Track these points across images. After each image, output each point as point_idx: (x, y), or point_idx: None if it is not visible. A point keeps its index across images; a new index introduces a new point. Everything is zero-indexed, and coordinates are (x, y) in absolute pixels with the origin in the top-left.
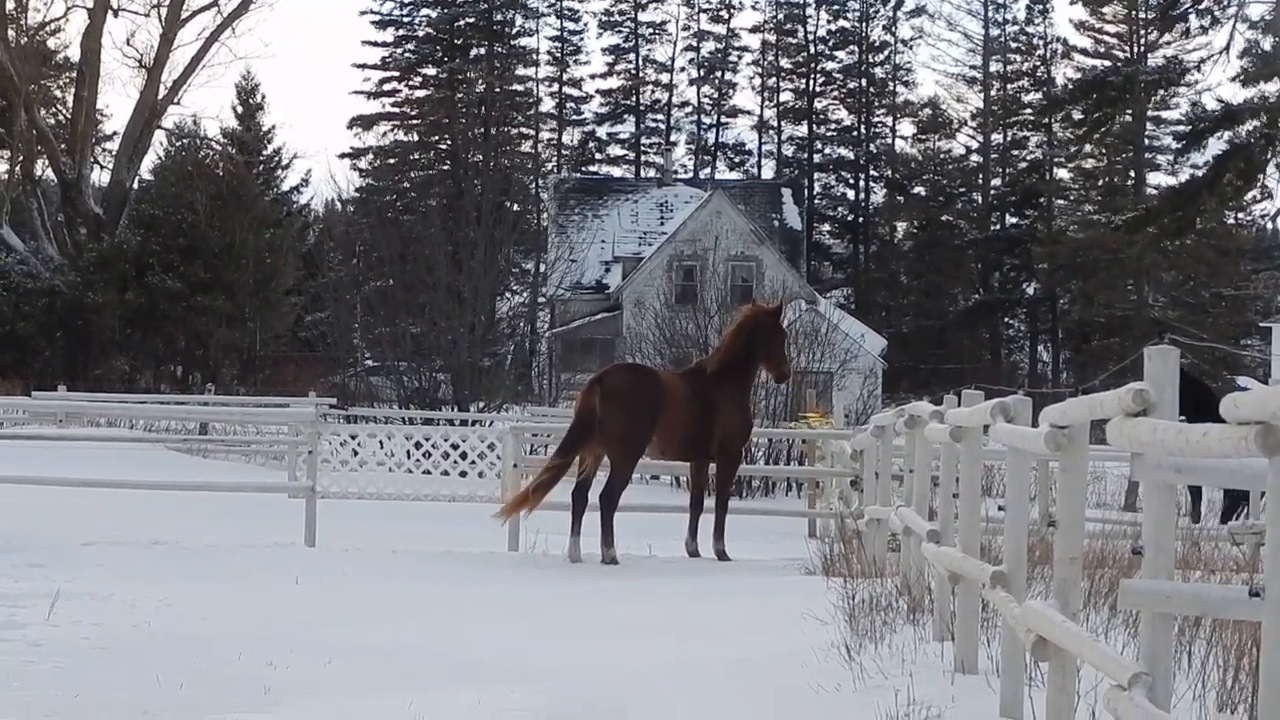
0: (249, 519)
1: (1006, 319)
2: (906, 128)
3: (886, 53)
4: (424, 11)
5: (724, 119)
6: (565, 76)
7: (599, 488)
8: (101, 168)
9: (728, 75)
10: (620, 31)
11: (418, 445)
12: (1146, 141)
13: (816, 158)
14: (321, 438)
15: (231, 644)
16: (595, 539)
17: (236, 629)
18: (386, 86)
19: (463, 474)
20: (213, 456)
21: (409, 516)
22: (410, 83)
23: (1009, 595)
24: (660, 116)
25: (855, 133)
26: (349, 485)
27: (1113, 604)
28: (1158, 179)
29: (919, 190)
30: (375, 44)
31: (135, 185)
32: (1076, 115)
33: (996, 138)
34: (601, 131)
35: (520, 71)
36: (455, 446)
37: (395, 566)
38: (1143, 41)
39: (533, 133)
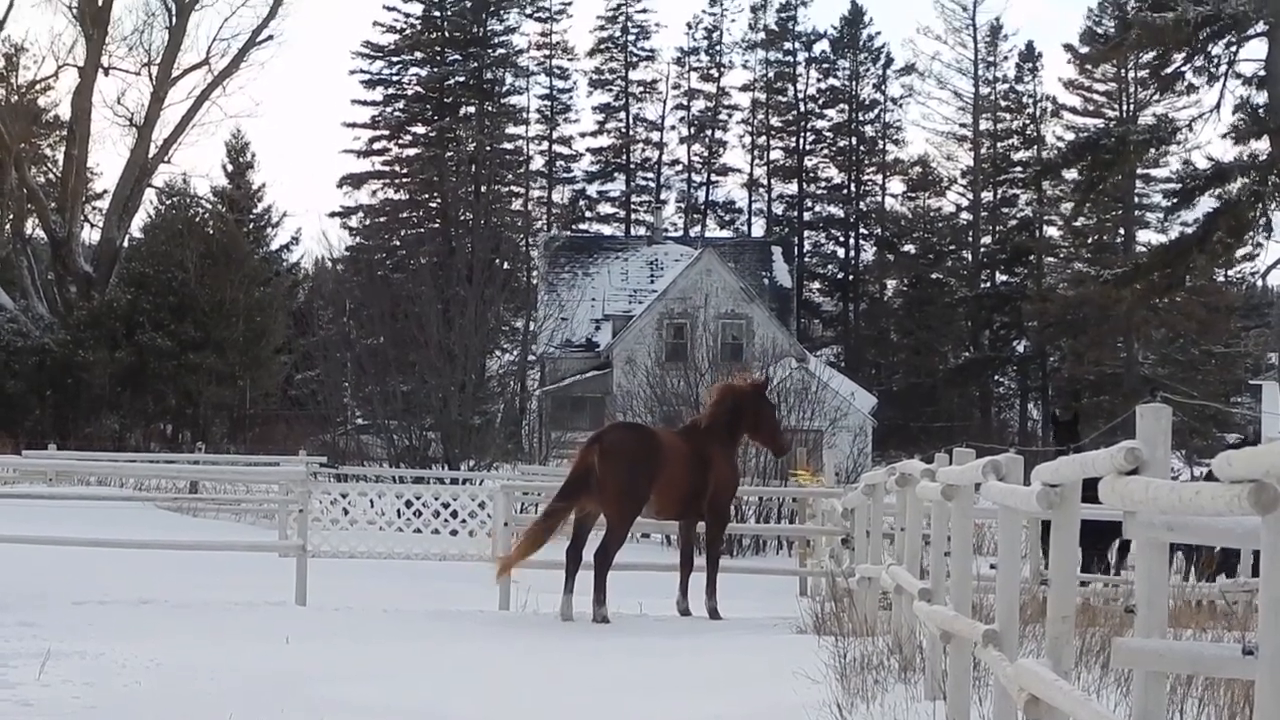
0: (239, 578)
1: (996, 376)
2: (896, 185)
3: (876, 111)
4: (413, 70)
5: (714, 177)
6: (555, 135)
7: (593, 545)
8: (92, 226)
9: (718, 134)
10: (610, 90)
11: (408, 504)
12: (1137, 199)
13: (806, 215)
14: (312, 496)
15: (222, 703)
16: (587, 598)
17: (227, 688)
18: (376, 145)
19: (453, 533)
20: (203, 515)
21: (400, 575)
22: (400, 141)
23: (1001, 654)
24: (650, 175)
25: (845, 190)
26: (340, 544)
27: (1105, 662)
28: (1148, 236)
29: (909, 248)
30: (365, 103)
31: (125, 243)
32: (1069, 175)
33: (986, 195)
34: (592, 189)
35: (510, 130)
36: (446, 505)
37: (386, 625)
38: (1133, 100)
39: (523, 191)
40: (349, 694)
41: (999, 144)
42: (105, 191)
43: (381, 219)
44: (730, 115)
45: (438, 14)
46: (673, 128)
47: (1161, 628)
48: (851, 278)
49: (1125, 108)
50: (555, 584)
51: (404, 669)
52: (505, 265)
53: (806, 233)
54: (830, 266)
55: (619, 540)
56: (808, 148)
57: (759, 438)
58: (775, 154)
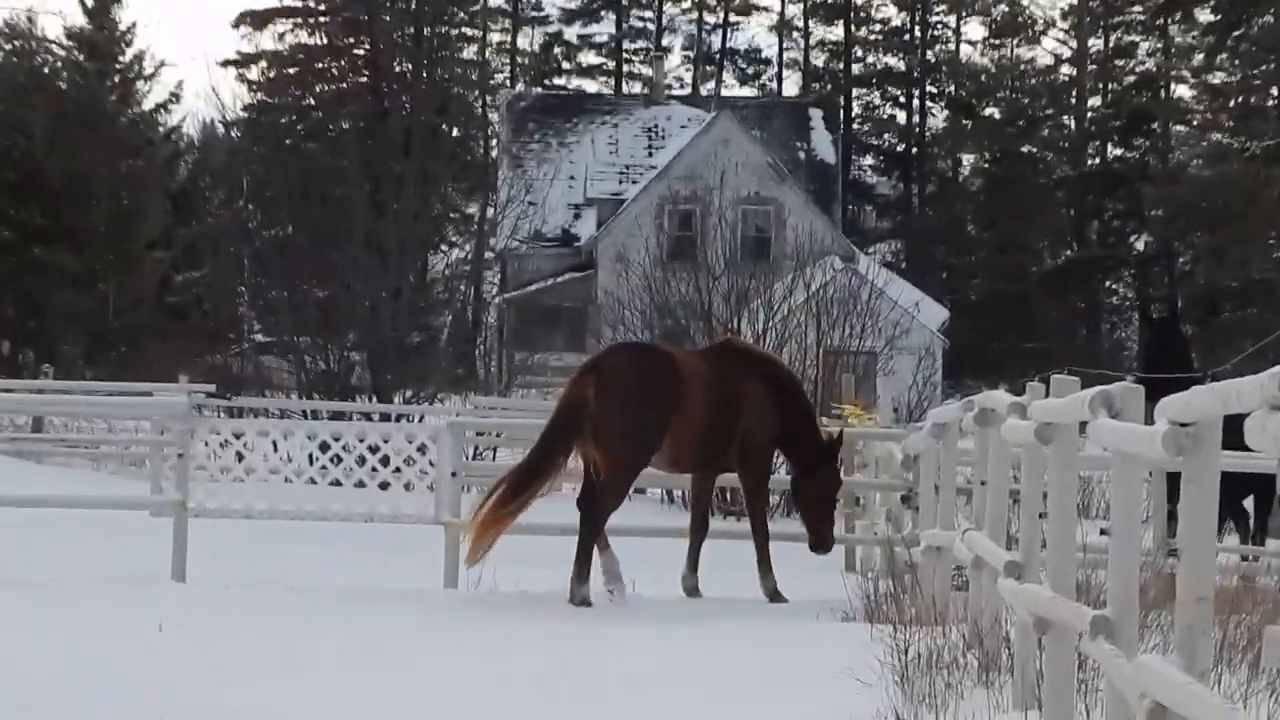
0: (100, 545)
1: (1108, 283)
2: (975, 29)
3: None
4: None
5: (734, 17)
6: None
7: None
8: None
9: None
10: None
11: (324, 447)
12: None
13: (856, 69)
14: (196, 437)
15: (78, 711)
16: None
17: (84, 691)
18: None
19: (384, 485)
20: (50, 461)
21: (311, 541)
22: None
23: (1116, 648)
24: (649, 14)
25: (907, 36)
26: (232, 500)
27: (1255, 660)
28: None
29: (991, 112)
30: None
31: None
32: (1203, 16)
33: (1095, 43)
34: (570, 33)
35: None
36: (374, 449)
37: (292, 609)
38: None
39: (479, 34)
40: (242, 699)
41: None
42: None
43: (291, 70)
44: None
45: None
46: None
47: None
48: (915, 151)
49: None
50: (517, 554)
51: (315, 667)
52: (455, 132)
53: (856, 91)
54: (887, 136)
55: (617, 499)
56: None
57: (799, 500)
58: None
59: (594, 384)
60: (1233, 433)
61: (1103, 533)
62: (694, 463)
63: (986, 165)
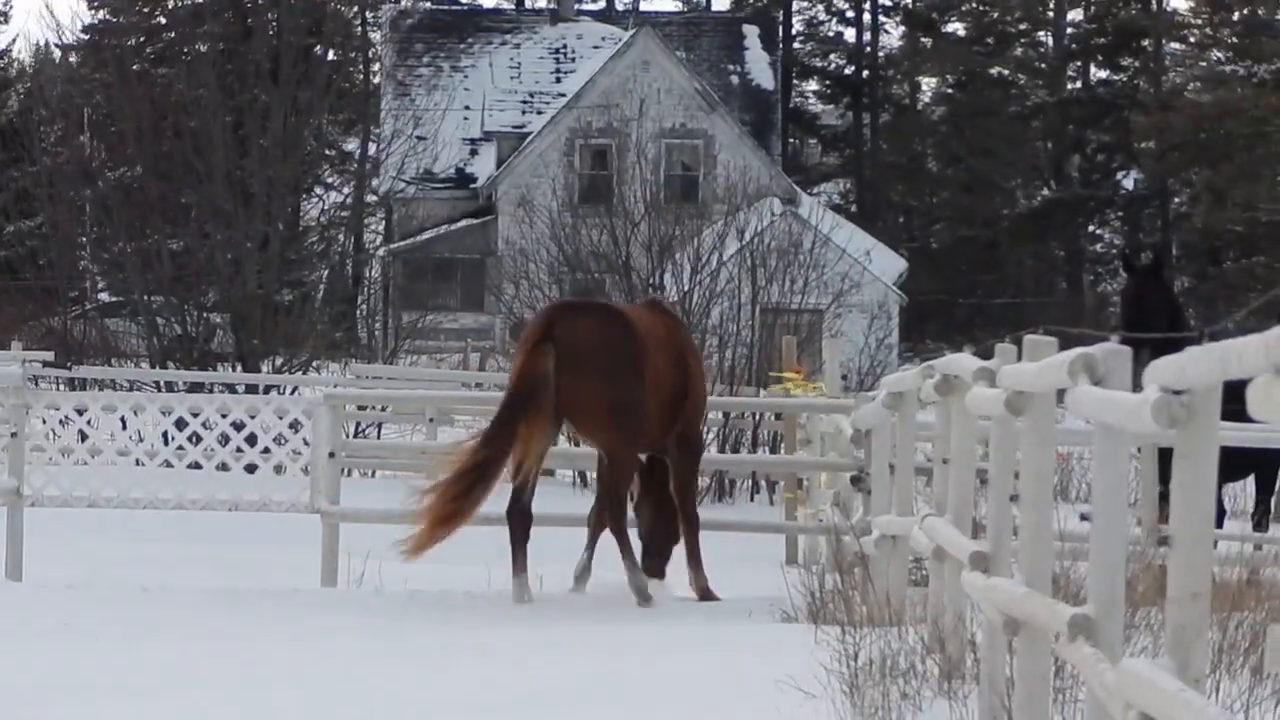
0: None
1: (1092, 228)
2: None
3: None
4: None
5: None
6: None
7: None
8: None
9: None
10: None
11: (181, 424)
12: None
13: None
14: (32, 413)
15: None
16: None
17: None
18: None
19: (250, 468)
20: None
21: (167, 534)
22: None
23: (1097, 651)
24: None
25: None
26: (75, 486)
27: (1258, 665)
28: None
29: (955, 28)
30: None
31: None
32: None
33: None
34: None
35: None
36: (239, 426)
37: (145, 612)
38: None
39: None
40: (84, 718)
41: None
42: None
43: None
44: None
45: None
46: None
47: None
48: (867, 75)
49: None
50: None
51: (173, 679)
52: (331, 55)
53: (797, 5)
54: (834, 57)
55: (628, 478)
56: None
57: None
58: None
59: (553, 355)
60: (1234, 401)
61: (1083, 518)
62: (654, 439)
63: (950, 91)
